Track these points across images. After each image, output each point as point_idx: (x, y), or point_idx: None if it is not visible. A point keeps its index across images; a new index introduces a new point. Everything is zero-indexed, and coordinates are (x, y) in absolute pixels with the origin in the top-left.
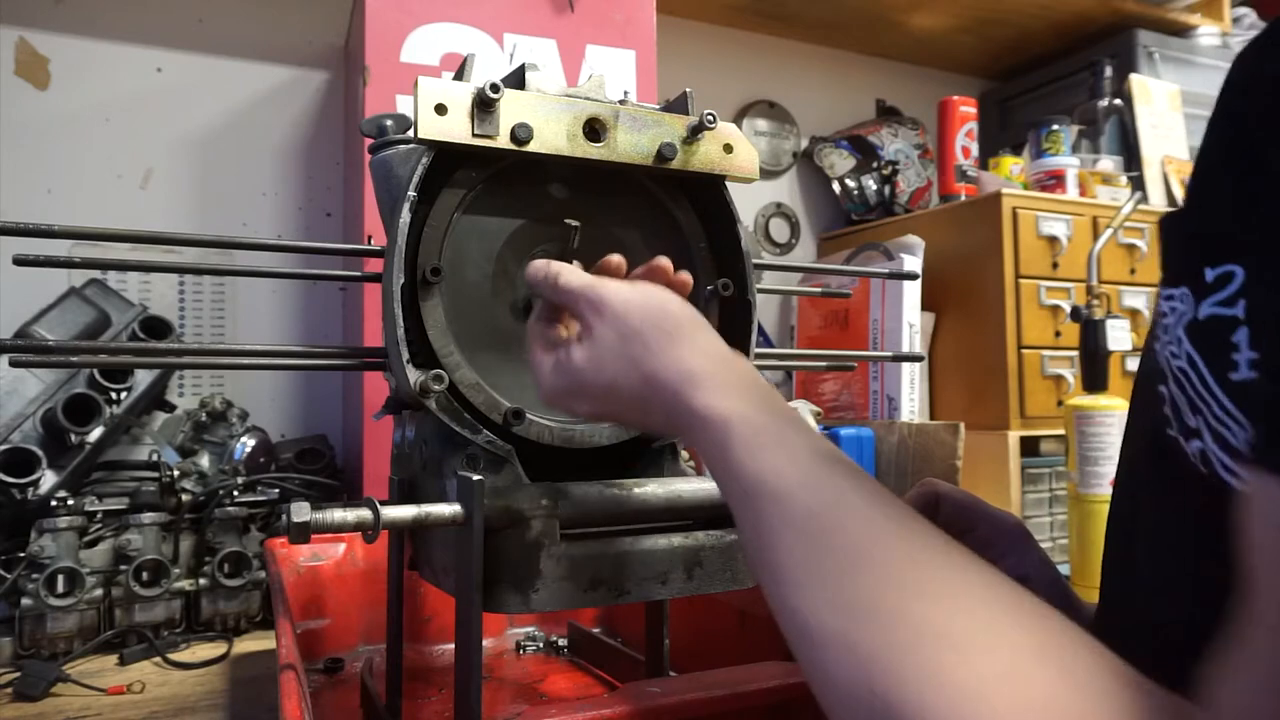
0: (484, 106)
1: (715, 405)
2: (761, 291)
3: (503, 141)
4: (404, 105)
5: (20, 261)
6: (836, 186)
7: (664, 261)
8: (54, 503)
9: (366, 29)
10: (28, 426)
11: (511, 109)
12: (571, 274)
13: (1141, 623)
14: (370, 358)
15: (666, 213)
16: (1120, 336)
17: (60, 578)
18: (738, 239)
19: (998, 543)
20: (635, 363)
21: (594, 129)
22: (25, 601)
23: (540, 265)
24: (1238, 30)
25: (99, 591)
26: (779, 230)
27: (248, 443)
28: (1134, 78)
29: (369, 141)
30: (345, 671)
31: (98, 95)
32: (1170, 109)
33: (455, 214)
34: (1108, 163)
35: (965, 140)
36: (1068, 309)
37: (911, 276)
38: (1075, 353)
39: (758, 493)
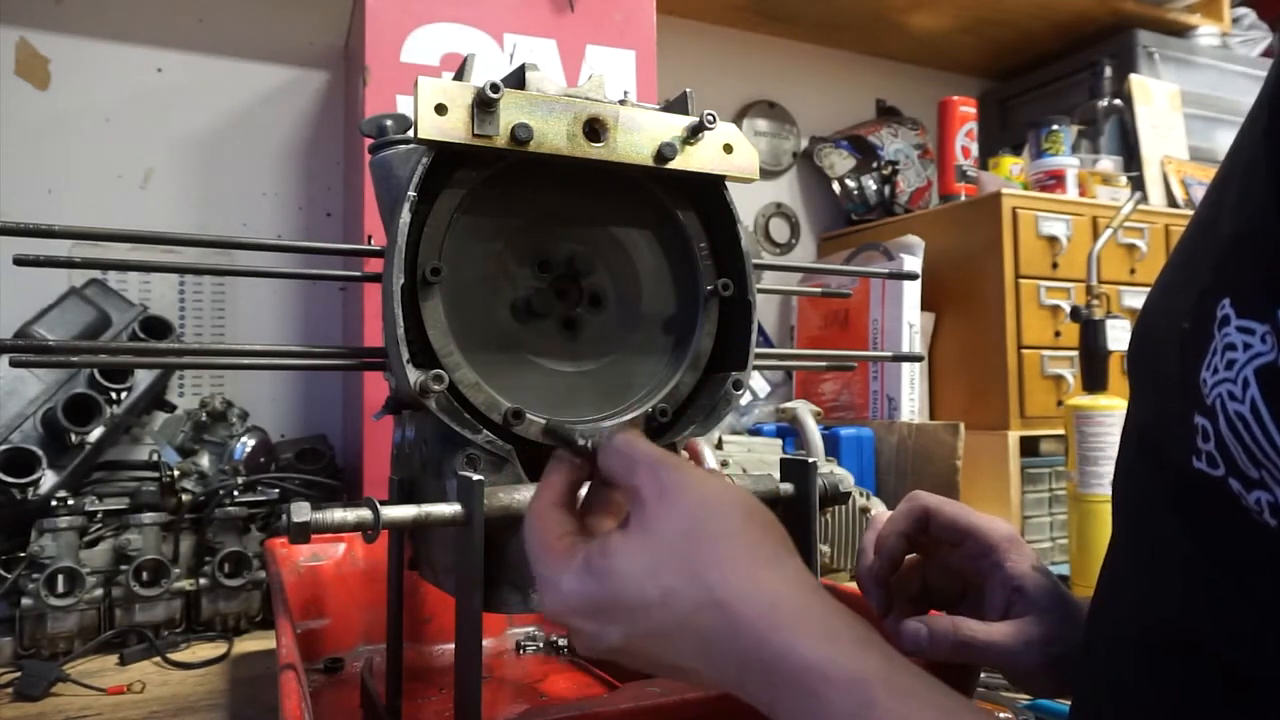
0: (484, 106)
1: (838, 660)
2: (761, 291)
3: (503, 141)
4: (404, 105)
5: (20, 261)
6: (836, 186)
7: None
8: (54, 503)
9: (366, 29)
10: (28, 426)
11: (511, 109)
12: (637, 439)
13: (1132, 630)
14: (370, 358)
15: (667, 213)
16: (1120, 336)
17: (60, 578)
18: (738, 239)
19: (990, 553)
20: (699, 576)
21: (594, 129)
22: (25, 601)
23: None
24: (1237, 30)
25: (99, 591)
26: (779, 230)
27: (248, 443)
28: (1134, 78)
29: (369, 141)
30: (345, 671)
31: (98, 95)
32: (1170, 109)
33: (455, 214)
34: (1107, 163)
35: (965, 140)
36: (1067, 309)
37: (911, 276)
38: (1075, 353)
39: None
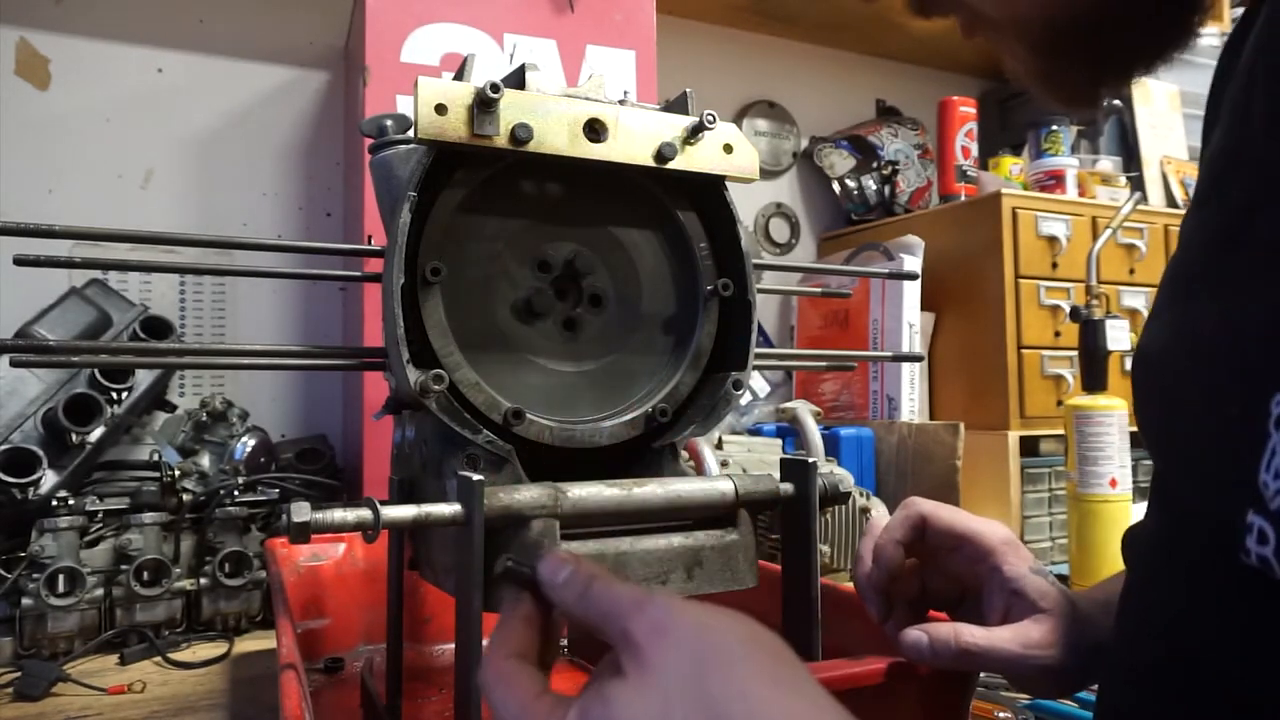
0: (484, 106)
1: None
2: (761, 291)
3: (503, 141)
4: (404, 105)
5: (21, 261)
6: (836, 186)
7: None
8: (55, 502)
9: (367, 29)
10: (28, 426)
11: (511, 109)
12: (610, 580)
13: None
14: (370, 358)
15: (667, 213)
16: (1119, 336)
17: (61, 577)
18: (738, 239)
19: (988, 556)
20: (721, 712)
21: (594, 129)
22: (26, 601)
23: (557, 564)
24: None
25: (100, 591)
26: (779, 230)
27: (248, 442)
28: None
29: (369, 141)
30: (345, 671)
31: (98, 95)
32: (1170, 109)
33: (455, 214)
34: (1107, 163)
35: (965, 140)
36: (1067, 309)
37: (911, 276)
38: (1075, 353)
39: None
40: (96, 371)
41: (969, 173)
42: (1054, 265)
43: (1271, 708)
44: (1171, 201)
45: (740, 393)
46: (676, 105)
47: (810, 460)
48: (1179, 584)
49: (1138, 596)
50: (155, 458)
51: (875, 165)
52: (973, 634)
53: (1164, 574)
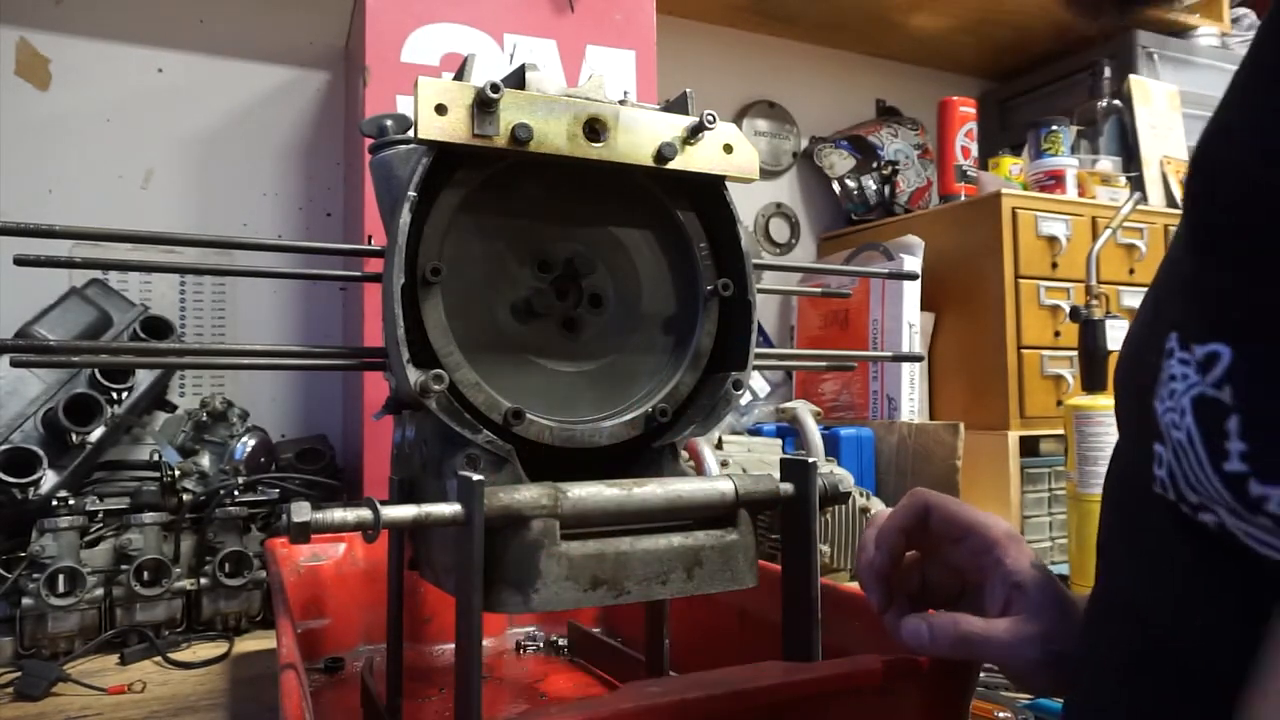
0: (484, 106)
1: None
2: (761, 291)
3: (503, 141)
4: (404, 105)
5: (21, 261)
6: (836, 186)
7: None
8: (55, 502)
9: (367, 29)
10: (29, 426)
11: (511, 109)
12: None
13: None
14: (370, 358)
15: (666, 213)
16: (1119, 336)
17: (61, 577)
18: (738, 239)
19: (990, 549)
20: None
21: (594, 129)
22: (26, 601)
23: None
24: (1237, 31)
25: (100, 591)
26: (779, 230)
27: (248, 442)
28: (1133, 78)
29: (369, 141)
30: (345, 671)
31: (98, 95)
32: (1169, 109)
33: (455, 214)
34: (1107, 163)
35: (965, 140)
36: (1067, 309)
37: (911, 276)
38: (1074, 353)
39: None
40: (96, 371)
41: (969, 173)
42: (1054, 265)
43: (1171, 638)
44: (1171, 202)
45: (740, 393)
46: (676, 105)
47: (810, 460)
48: (1122, 549)
49: (1105, 582)
50: (155, 458)
51: (875, 165)
52: (971, 623)
53: (1117, 547)
